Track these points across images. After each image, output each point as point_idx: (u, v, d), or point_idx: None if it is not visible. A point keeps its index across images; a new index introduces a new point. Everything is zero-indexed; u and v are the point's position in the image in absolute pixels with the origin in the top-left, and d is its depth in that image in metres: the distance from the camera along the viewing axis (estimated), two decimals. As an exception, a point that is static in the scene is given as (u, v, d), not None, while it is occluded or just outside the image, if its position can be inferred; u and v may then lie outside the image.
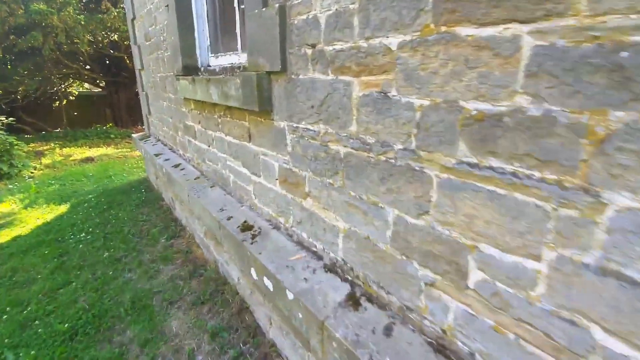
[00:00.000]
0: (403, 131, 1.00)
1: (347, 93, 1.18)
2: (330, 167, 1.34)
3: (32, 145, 9.06)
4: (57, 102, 12.03)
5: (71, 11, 7.59)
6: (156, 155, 3.91)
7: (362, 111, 1.13)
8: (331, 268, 1.46)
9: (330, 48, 1.21)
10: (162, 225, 3.73)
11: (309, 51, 1.32)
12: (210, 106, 2.48)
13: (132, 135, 5.54)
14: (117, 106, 12.56)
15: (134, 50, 4.82)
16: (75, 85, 13.07)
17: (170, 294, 2.48)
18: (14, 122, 6.60)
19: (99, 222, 3.85)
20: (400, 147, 1.02)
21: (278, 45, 1.45)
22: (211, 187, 2.65)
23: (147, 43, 4.08)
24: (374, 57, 1.04)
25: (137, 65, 4.83)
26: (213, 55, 2.75)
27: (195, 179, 2.89)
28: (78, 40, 8.64)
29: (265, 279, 1.60)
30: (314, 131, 1.40)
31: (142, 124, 12.70)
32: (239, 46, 2.30)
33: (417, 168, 0.98)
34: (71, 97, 12.60)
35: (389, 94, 1.03)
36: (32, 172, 6.14)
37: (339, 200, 1.34)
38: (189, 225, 3.51)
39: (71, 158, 7.59)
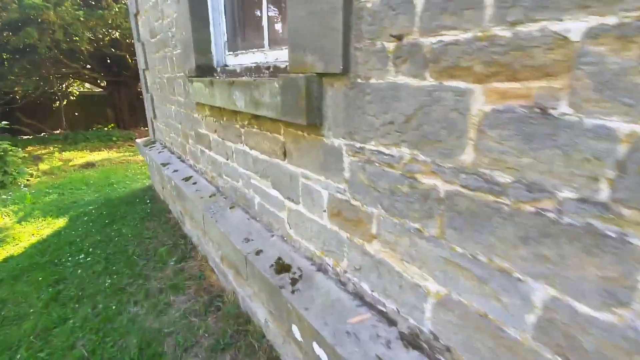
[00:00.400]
0: (582, 172, 0.63)
1: (459, 106, 0.82)
2: (419, 207, 0.98)
3: (29, 148, 8.79)
4: (57, 103, 11.78)
5: (69, 6, 7.27)
6: (163, 164, 3.57)
7: (490, 134, 0.77)
8: (412, 341, 1.09)
9: (433, 41, 0.85)
10: (170, 244, 3.39)
11: (391, 45, 0.96)
12: (230, 113, 2.13)
13: (136, 140, 5.21)
14: (119, 106, 12.30)
15: (137, 49, 4.50)
16: (75, 85, 12.84)
17: (184, 336, 2.13)
18: (8, 126, 6.30)
19: (100, 240, 3.52)
20: (572, 195, 0.65)
21: (339, 38, 1.08)
22: (230, 207, 2.30)
23: (153, 40, 3.75)
24: (526, 53, 0.68)
25: (141, 65, 4.50)
26: (231, 53, 2.40)
27: (210, 197, 2.54)
28: (77, 38, 8.34)
29: (316, 345, 1.24)
30: (392, 156, 1.04)
31: (145, 125, 12.43)
32: (265, 42, 1.94)
33: (610, 233, 0.62)
34: (72, 97, 12.36)
35: (551, 111, 0.66)
36: (28, 180, 5.84)
37: (431, 253, 0.97)
38: (200, 244, 3.17)
39: (71, 163, 7.30)
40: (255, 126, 1.84)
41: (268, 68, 1.84)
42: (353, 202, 1.24)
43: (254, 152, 1.94)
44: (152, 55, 3.93)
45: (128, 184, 5.69)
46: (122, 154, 8.27)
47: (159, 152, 4.14)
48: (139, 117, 12.66)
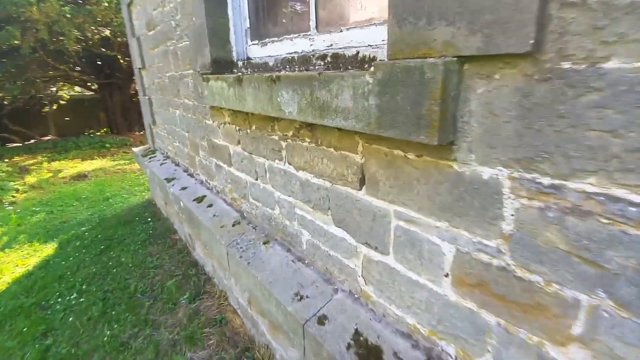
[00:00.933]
0: None
1: None
2: None
3: (16, 158, 8.28)
4: (47, 108, 11.23)
5: (54, 2, 6.73)
6: (168, 180, 3.07)
7: None
8: None
9: None
10: (179, 275, 2.90)
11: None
12: (263, 120, 1.63)
13: (133, 149, 4.70)
14: (111, 110, 11.74)
15: (132, 45, 3.99)
16: (65, 88, 12.29)
17: (211, 418, 1.64)
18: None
19: (95, 272, 3.02)
20: None
21: (532, -13, 0.59)
22: (264, 243, 1.80)
23: (150, 33, 3.24)
24: None
25: (137, 64, 3.99)
26: (255, 42, 1.90)
27: (233, 226, 2.05)
28: (63, 38, 7.79)
29: None
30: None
31: (140, 130, 11.90)
32: (312, 23, 1.45)
33: None
34: (61, 102, 11.81)
35: None
36: (13, 197, 5.33)
37: None
38: (217, 277, 2.68)
39: (61, 174, 6.78)
40: (308, 139, 1.35)
41: (323, 58, 1.34)
42: (521, 273, 0.75)
43: (302, 174, 1.44)
44: (150, 52, 3.42)
45: (125, 198, 5.18)
46: (116, 162, 7.75)
47: (161, 164, 3.64)
48: (133, 121, 12.14)
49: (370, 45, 1.18)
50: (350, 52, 1.22)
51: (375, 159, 1.05)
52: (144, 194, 5.33)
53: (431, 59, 0.74)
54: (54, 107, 11.53)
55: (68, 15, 7.09)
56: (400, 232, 1.03)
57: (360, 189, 1.15)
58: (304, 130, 1.35)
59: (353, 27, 1.26)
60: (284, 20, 1.80)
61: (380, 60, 1.00)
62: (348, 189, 1.20)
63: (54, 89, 11.66)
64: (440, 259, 0.93)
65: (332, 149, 1.23)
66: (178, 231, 3.66)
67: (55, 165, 7.61)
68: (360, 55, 1.17)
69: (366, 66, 1.14)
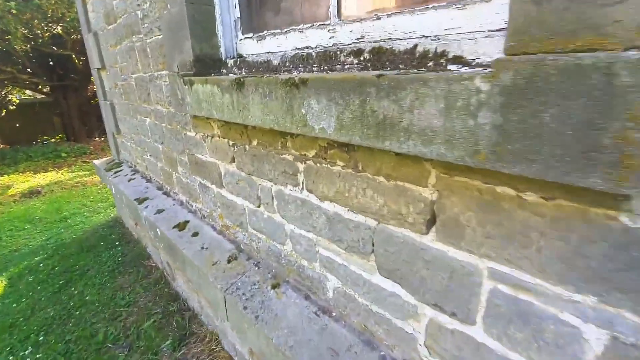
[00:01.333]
0: None
1: None
2: None
3: (-44, 174, 7.42)
4: (-5, 114, 10.28)
5: (-5, -4, 6.04)
6: (139, 201, 2.66)
7: None
8: None
9: None
10: (158, 313, 2.51)
11: None
12: (268, 134, 1.31)
13: (94, 162, 4.20)
14: (67, 114, 10.89)
15: (88, 42, 3.52)
16: (15, 92, 11.30)
17: None
18: None
19: (54, 316, 2.57)
20: None
21: None
22: (273, 286, 1.47)
23: (110, 27, 2.81)
24: None
25: (94, 63, 3.52)
26: (250, 35, 1.57)
27: (229, 262, 1.70)
28: (9, 36, 7.04)
29: None
30: None
31: (101, 136, 11.11)
32: (332, 9, 1.15)
33: None
34: (10, 107, 10.84)
35: None
36: (-49, 222, 4.67)
37: None
38: (204, 314, 2.32)
39: (10, 191, 6.08)
40: (341, 162, 1.04)
41: (357, 54, 1.04)
42: None
43: (329, 206, 1.13)
44: (111, 49, 2.99)
45: (86, 217, 4.65)
46: (74, 175, 7.08)
47: (129, 180, 3.20)
48: (93, 126, 11.34)
49: (426, 36, 0.89)
50: (400, 46, 0.92)
51: (461, 196, 0.75)
52: (108, 210, 4.82)
53: (628, 52, 0.45)
54: (3, 113, 10.56)
55: (14, 11, 6.38)
56: (500, 299, 0.74)
57: (427, 234, 0.86)
58: (335, 150, 1.04)
59: (397, 13, 0.96)
60: (286, 8, 1.48)
61: (485, 57, 0.71)
62: (407, 232, 0.90)
63: (2, 93, 10.71)
64: (577, 347, 0.65)
65: (381, 178, 0.92)
66: (152, 256, 3.24)
67: (4, 180, 6.86)
68: (420, 49, 0.87)
69: (430, 64, 0.85)
